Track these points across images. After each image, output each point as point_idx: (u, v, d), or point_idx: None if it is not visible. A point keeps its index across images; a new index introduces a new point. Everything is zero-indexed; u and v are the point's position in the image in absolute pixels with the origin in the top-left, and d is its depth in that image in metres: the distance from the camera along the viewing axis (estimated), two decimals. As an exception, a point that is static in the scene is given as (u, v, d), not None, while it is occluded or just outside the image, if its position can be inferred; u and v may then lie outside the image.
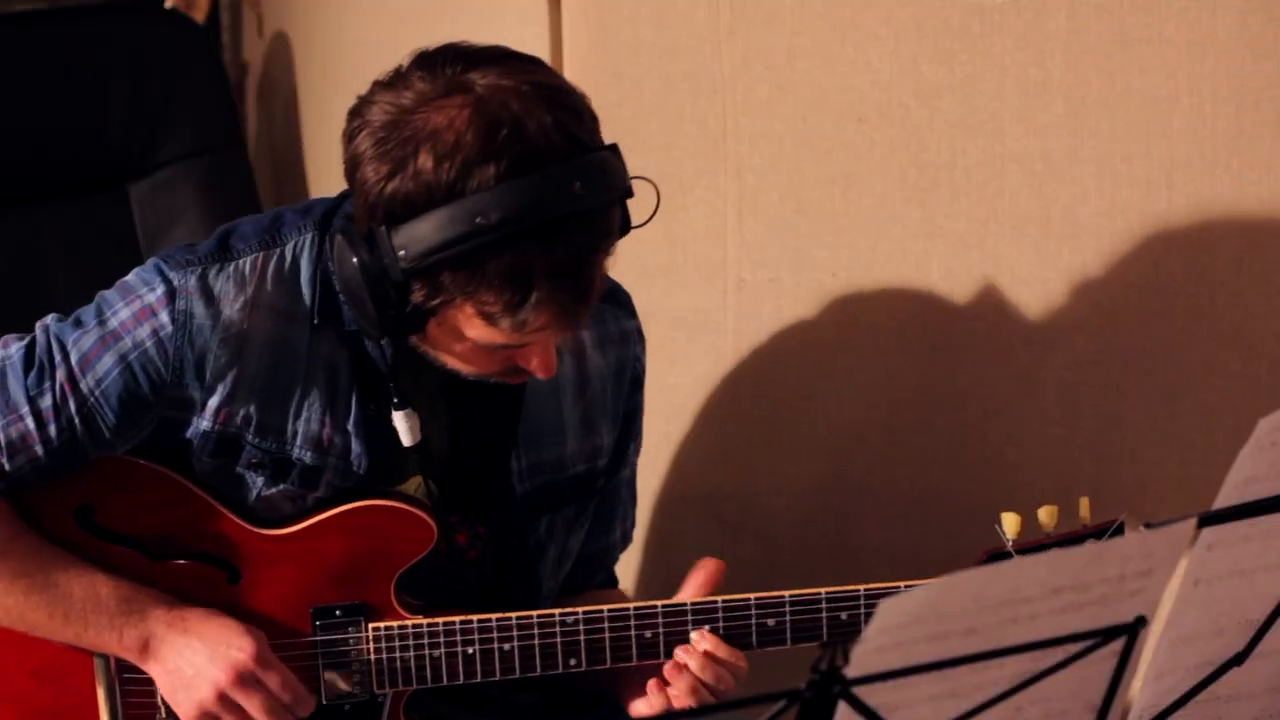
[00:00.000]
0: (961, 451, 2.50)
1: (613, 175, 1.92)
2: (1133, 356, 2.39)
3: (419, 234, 1.86)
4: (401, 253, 1.87)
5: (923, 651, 1.42)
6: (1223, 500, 1.61)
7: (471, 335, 1.94)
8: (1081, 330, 2.40)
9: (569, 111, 1.90)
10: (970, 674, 1.45)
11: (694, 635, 2.05)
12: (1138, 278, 2.36)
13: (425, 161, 1.86)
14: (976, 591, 1.41)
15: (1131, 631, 1.50)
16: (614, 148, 1.94)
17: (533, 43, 2.68)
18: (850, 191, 2.46)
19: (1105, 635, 1.49)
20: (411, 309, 1.92)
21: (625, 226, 1.96)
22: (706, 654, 2.05)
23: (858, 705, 1.41)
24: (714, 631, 2.06)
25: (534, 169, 1.86)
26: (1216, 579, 1.64)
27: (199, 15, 3.59)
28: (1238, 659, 1.69)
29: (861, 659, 1.40)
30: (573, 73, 2.62)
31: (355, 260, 1.91)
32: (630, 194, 1.95)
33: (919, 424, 2.51)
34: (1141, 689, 1.68)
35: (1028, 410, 2.45)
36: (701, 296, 2.57)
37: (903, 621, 1.40)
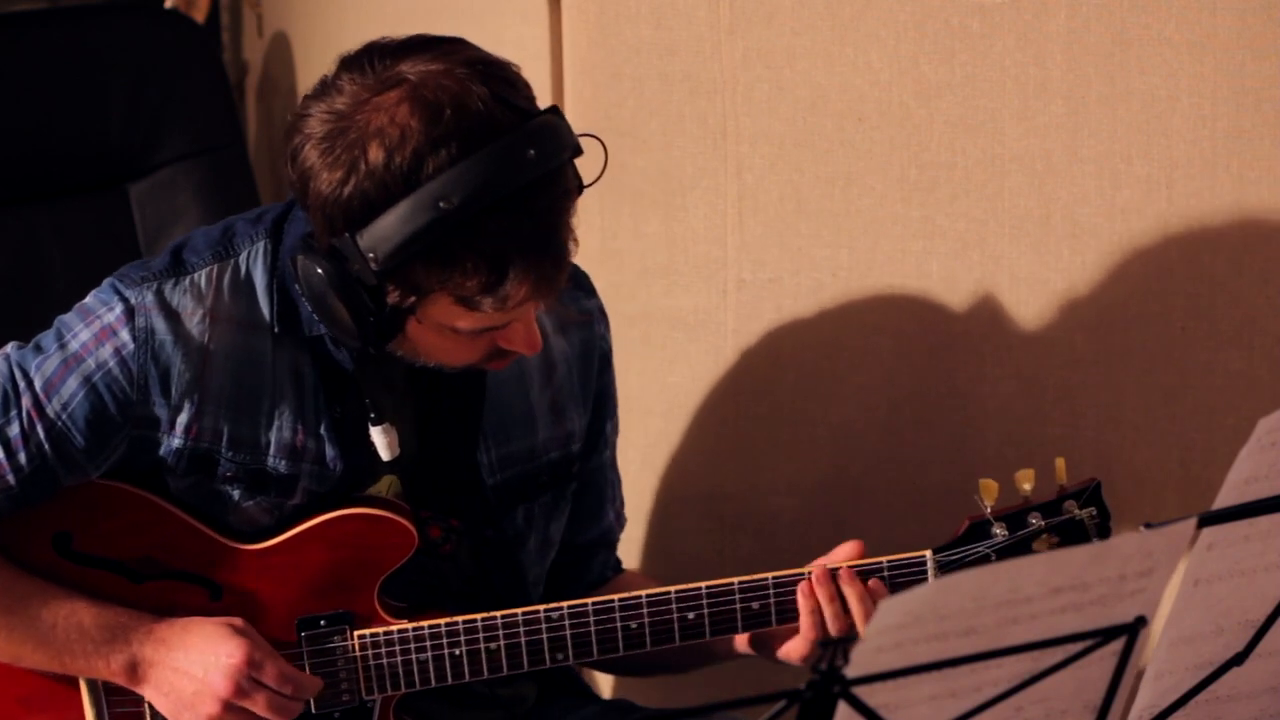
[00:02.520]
0: (961, 451, 2.50)
1: (561, 135, 1.91)
2: (1133, 356, 2.39)
3: (384, 232, 1.86)
4: (370, 255, 1.87)
5: (923, 651, 1.42)
6: (1223, 500, 1.61)
7: (454, 324, 1.93)
8: (1081, 330, 2.40)
9: (504, 83, 1.90)
10: (970, 674, 1.45)
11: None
12: (1138, 277, 2.36)
13: (376, 158, 1.85)
14: (976, 591, 1.41)
15: (1131, 631, 1.50)
16: (555, 109, 1.94)
17: (533, 43, 2.68)
18: (850, 191, 2.46)
19: (1105, 635, 1.49)
20: (389, 311, 1.92)
21: (579, 186, 1.95)
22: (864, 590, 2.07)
23: (858, 705, 1.41)
24: (699, 619, 2.06)
25: (485, 144, 1.85)
26: (1216, 579, 1.64)
27: (199, 15, 3.59)
28: (1238, 659, 1.69)
29: (861, 659, 1.40)
30: (573, 73, 2.62)
31: (323, 275, 1.91)
32: (580, 151, 1.94)
33: (918, 423, 2.51)
34: (1141, 689, 1.68)
35: (1028, 410, 2.45)
36: (701, 296, 2.57)
37: (903, 621, 1.40)
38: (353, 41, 3.22)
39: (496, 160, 1.85)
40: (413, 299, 1.91)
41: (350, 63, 1.92)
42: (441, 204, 1.84)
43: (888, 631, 1.39)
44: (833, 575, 2.07)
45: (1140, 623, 1.50)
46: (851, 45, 2.42)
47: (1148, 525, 1.50)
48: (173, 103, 3.08)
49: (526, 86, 1.94)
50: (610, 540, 2.34)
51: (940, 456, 2.51)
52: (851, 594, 2.06)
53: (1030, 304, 2.42)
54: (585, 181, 1.96)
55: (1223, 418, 2.35)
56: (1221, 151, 2.28)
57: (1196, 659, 1.68)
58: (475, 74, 1.88)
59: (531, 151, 1.87)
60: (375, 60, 1.91)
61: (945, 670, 1.43)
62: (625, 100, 2.54)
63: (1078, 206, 2.37)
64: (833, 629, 2.06)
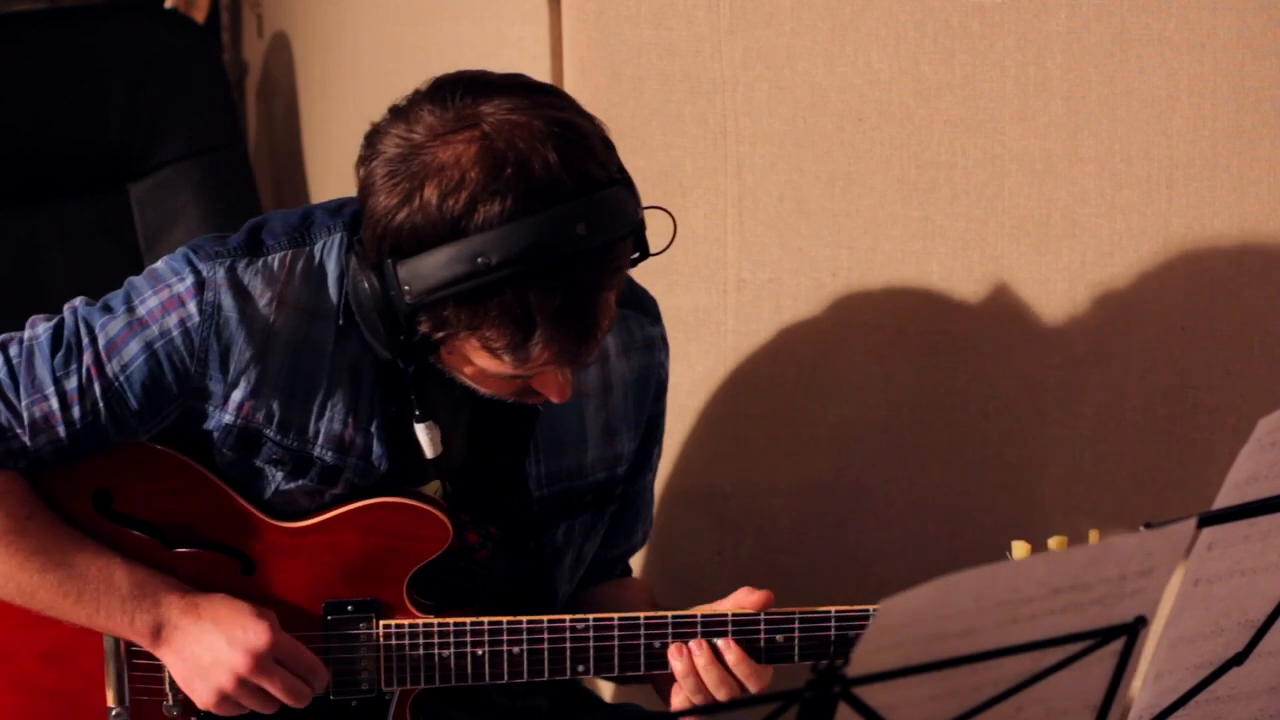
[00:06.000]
0: (961, 451, 2.50)
1: (620, 212, 1.91)
2: (1133, 356, 2.39)
3: (422, 270, 1.88)
4: (406, 287, 1.89)
5: (923, 651, 1.42)
6: (1223, 500, 1.61)
7: (480, 364, 1.95)
8: (1081, 330, 2.40)
9: (578, 147, 1.89)
10: (970, 674, 1.45)
11: (720, 644, 2.06)
12: (1138, 278, 2.36)
13: (431, 196, 1.87)
14: (976, 591, 1.42)
15: (1131, 631, 1.50)
16: (626, 180, 1.93)
17: (533, 43, 2.68)
18: (850, 191, 2.46)
19: (1105, 635, 1.49)
20: (420, 338, 1.94)
21: (642, 255, 1.96)
22: (720, 663, 2.05)
23: (858, 705, 1.41)
24: (724, 645, 2.06)
25: (537, 209, 1.86)
26: (1216, 579, 1.65)
27: (199, 15, 3.59)
28: (1238, 659, 1.69)
29: (861, 659, 1.40)
30: (573, 73, 2.62)
31: (367, 288, 1.94)
32: (642, 226, 1.94)
33: (918, 424, 2.51)
34: (1141, 689, 1.68)
35: (1028, 410, 2.45)
36: (701, 296, 2.57)
37: (903, 621, 1.40)
38: (353, 41, 3.23)
39: (544, 228, 1.85)
40: (441, 334, 1.93)
41: (436, 90, 1.92)
42: (480, 259, 1.85)
43: (888, 631, 1.39)
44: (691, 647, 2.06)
45: (1140, 623, 1.50)
46: (851, 45, 2.42)
47: (1148, 525, 1.50)
48: (173, 103, 3.08)
49: (606, 149, 1.93)
50: (630, 554, 2.36)
51: (940, 456, 2.51)
52: (706, 665, 2.06)
53: (1030, 304, 2.42)
54: (653, 250, 1.97)
55: (1223, 418, 2.35)
56: (1221, 151, 2.28)
57: (1196, 659, 1.68)
58: (551, 134, 1.87)
59: (582, 226, 1.86)
60: (460, 94, 1.90)
61: (945, 670, 1.43)
62: (625, 100, 2.55)
63: (1078, 206, 2.37)
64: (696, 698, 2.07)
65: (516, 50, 2.72)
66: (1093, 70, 2.32)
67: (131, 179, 3.08)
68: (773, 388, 2.57)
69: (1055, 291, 2.40)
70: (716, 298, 2.57)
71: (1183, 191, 2.31)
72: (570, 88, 2.63)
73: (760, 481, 2.61)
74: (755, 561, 2.63)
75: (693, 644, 2.05)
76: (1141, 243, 2.35)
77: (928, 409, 2.51)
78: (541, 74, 2.67)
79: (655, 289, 2.58)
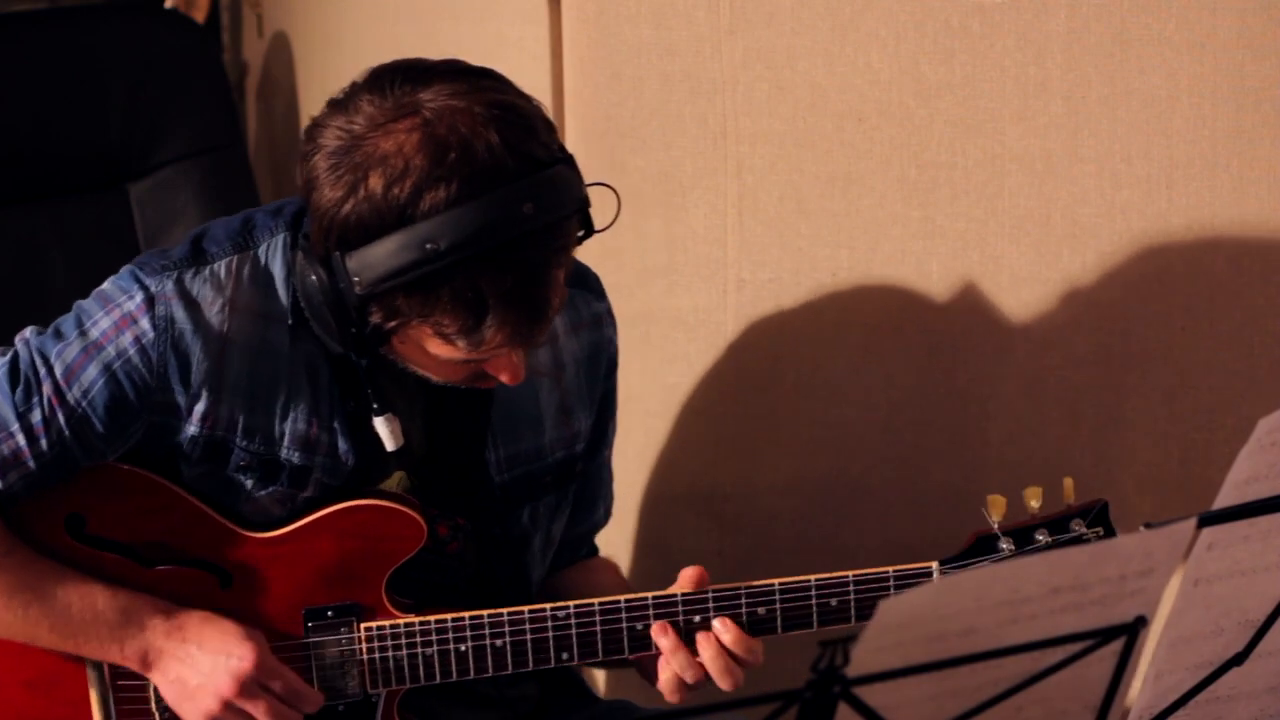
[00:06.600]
0: (961, 451, 2.50)
1: (566, 190, 1.91)
2: (1133, 356, 2.39)
3: (371, 260, 1.88)
4: (356, 279, 1.89)
5: (923, 651, 1.42)
6: (1223, 500, 1.61)
7: (433, 352, 1.96)
8: (1081, 330, 2.40)
9: (520, 128, 1.89)
10: (970, 674, 1.45)
11: (716, 624, 2.07)
12: (1138, 278, 2.36)
13: (376, 186, 1.87)
14: (976, 591, 1.42)
15: (1131, 631, 1.50)
16: (569, 159, 1.94)
17: (533, 43, 2.68)
18: (850, 191, 2.46)
19: (1105, 635, 1.49)
20: (371, 329, 1.94)
21: (587, 233, 1.96)
22: (721, 645, 2.06)
23: (858, 705, 1.41)
24: (705, 623, 2.07)
25: (483, 192, 1.86)
26: (1216, 579, 1.65)
27: (199, 15, 3.59)
28: (1238, 659, 1.70)
29: (861, 659, 1.40)
30: (573, 73, 2.62)
31: (315, 281, 1.94)
32: (587, 204, 1.95)
33: (918, 423, 2.51)
34: (1141, 689, 1.68)
35: (1028, 410, 2.45)
36: (701, 296, 2.57)
37: (902, 621, 1.40)
38: (353, 41, 3.23)
39: (491, 210, 1.86)
40: (393, 323, 1.93)
41: (374, 81, 1.92)
42: (429, 245, 1.85)
43: (887, 631, 1.39)
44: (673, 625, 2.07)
45: (1140, 623, 1.50)
46: (851, 45, 2.42)
47: (1148, 525, 1.50)
48: (173, 103, 3.08)
49: (548, 131, 1.93)
50: (594, 532, 2.36)
51: (940, 456, 2.51)
52: (704, 645, 2.07)
53: (1030, 304, 2.42)
54: (598, 228, 1.97)
55: (1223, 418, 2.35)
56: (1221, 151, 2.28)
57: (1196, 659, 1.69)
58: (492, 118, 1.88)
59: (529, 205, 1.87)
60: (398, 83, 1.90)
61: (945, 670, 1.43)
62: (625, 100, 2.54)
63: (1078, 206, 2.37)
64: (689, 677, 2.08)
65: (516, 50, 2.72)
66: (1093, 70, 2.32)
67: (131, 179, 3.08)
68: (773, 388, 2.57)
69: (1055, 291, 2.40)
70: (716, 298, 2.57)
71: (1183, 191, 2.31)
72: (570, 88, 2.63)
73: (759, 481, 2.61)
74: (755, 561, 2.63)
75: (706, 631, 2.06)
76: (1141, 243, 2.35)
77: (927, 408, 2.51)
78: (541, 74, 2.68)
79: (655, 289, 2.58)
